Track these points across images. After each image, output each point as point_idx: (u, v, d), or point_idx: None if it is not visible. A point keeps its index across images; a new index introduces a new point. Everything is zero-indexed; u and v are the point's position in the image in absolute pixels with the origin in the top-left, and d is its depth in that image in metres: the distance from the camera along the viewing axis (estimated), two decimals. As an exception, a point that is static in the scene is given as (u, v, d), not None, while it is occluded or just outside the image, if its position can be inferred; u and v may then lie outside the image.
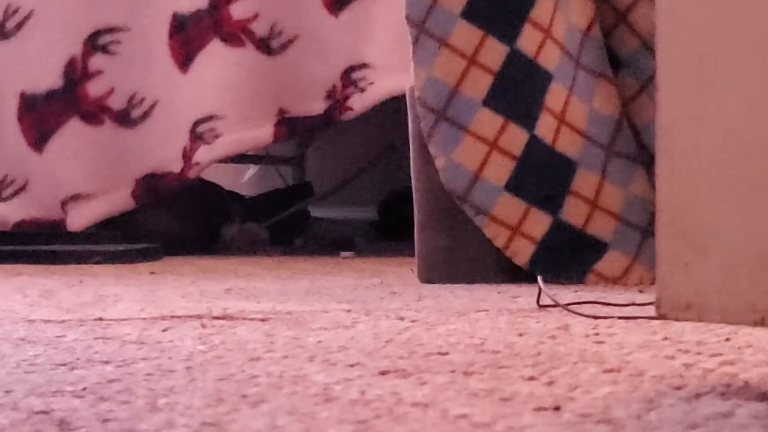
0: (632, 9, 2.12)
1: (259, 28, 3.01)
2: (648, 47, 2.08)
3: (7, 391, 1.03)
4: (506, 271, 2.13)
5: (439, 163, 2.09)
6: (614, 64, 2.13)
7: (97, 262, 2.78)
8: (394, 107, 2.75)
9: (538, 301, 1.75)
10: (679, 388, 1.04)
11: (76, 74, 3.11)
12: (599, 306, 1.69)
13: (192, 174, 3.05)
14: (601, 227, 2.09)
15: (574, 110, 2.09)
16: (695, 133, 1.04)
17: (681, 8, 1.06)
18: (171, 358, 1.23)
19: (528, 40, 2.09)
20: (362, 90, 2.96)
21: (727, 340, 1.33)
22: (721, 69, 1.02)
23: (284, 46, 3.02)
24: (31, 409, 0.95)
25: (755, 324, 1.00)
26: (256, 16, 3.02)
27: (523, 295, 1.90)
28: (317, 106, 3.01)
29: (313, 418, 0.91)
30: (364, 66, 2.96)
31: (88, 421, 0.90)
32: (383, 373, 1.13)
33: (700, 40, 1.04)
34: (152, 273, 2.51)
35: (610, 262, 2.09)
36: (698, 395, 1.00)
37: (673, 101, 1.07)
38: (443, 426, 0.88)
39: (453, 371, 1.14)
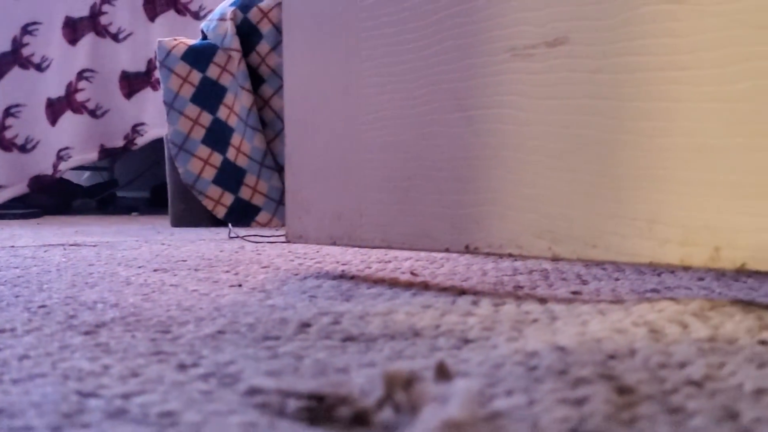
0: (271, 98, 2.10)
1: (90, 105, 2.90)
2: (279, 117, 2.07)
3: (-38, 284, 0.95)
4: (213, 221, 2.09)
5: (180, 170, 2.04)
6: (263, 124, 2.11)
7: (10, 219, 2.63)
8: (158, 144, 2.67)
9: (229, 235, 1.73)
10: (296, 274, 1.04)
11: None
12: (259, 236, 1.68)
13: (58, 175, 2.92)
14: (258, 200, 2.07)
15: (244, 145, 2.06)
16: (302, 157, 1.04)
17: (294, 99, 1.06)
18: (49, 265, 1.16)
19: (222, 112, 2.05)
20: (142, 135, 2.89)
21: (318, 252, 1.33)
22: (312, 128, 1.03)
23: (103, 114, 2.91)
24: (-24, 293, 0.88)
25: (334, 244, 1.00)
26: (89, 100, 2.90)
27: (221, 232, 1.87)
28: (120, 143, 2.91)
29: (121, 293, 0.88)
30: (143, 124, 2.88)
31: (7, 297, 0.84)
32: (155, 270, 1.09)
33: (302, 115, 1.04)
34: (38, 224, 2.37)
35: (263, 216, 2.07)
36: (305, 277, 1.00)
37: (292, 142, 1.06)
38: (185, 295, 0.86)
39: (189, 269, 1.11)
